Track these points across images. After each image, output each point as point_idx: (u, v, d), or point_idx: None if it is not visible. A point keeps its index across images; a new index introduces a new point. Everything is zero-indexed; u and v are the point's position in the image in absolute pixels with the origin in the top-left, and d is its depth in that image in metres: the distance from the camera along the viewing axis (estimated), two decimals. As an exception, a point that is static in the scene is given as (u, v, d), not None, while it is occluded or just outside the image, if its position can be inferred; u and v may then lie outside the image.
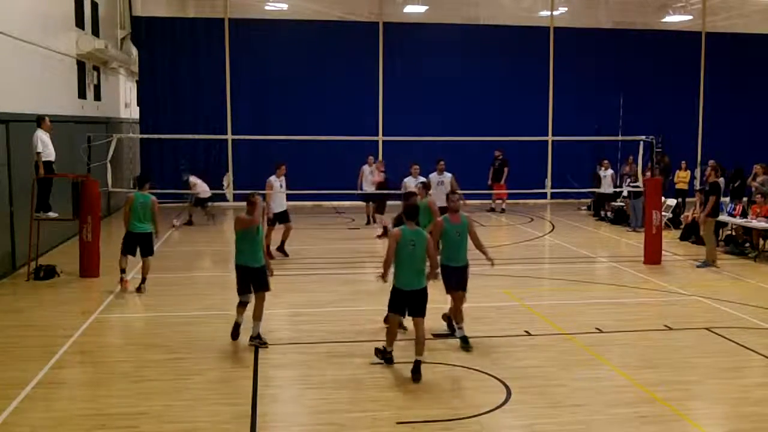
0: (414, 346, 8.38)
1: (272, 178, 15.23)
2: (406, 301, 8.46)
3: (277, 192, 15.25)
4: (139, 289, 12.23)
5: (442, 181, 15.58)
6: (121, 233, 12.85)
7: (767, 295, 12.48)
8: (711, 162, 18.31)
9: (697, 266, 14.81)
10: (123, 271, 12.35)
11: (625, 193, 20.63)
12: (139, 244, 12.29)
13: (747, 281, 13.66)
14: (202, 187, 20.39)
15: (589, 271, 14.72)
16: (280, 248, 15.56)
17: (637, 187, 18.41)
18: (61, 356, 9.07)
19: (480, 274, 13.59)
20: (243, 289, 9.49)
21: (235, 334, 9.55)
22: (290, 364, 8.95)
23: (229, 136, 23.78)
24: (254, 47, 24.65)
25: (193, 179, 20.83)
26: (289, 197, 22.71)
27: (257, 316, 9.39)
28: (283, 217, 15.49)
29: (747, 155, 21.53)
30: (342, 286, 13.19)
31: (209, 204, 20.85)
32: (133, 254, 12.32)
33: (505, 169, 23.28)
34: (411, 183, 14.86)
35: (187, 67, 24.44)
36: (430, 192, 12.80)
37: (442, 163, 15.97)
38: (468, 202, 15.85)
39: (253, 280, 9.43)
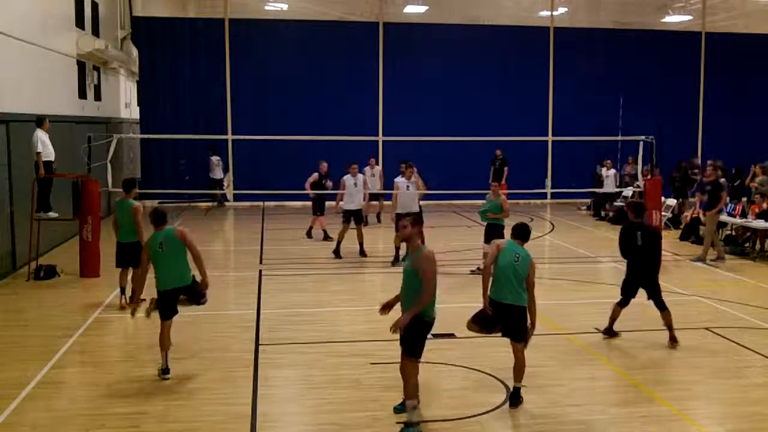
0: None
1: (346, 177, 15.72)
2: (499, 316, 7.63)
3: (352, 190, 15.57)
4: (131, 301, 10.93)
5: (356, 183, 15.68)
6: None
7: (767, 295, 12.49)
8: (708, 161, 18.33)
9: (692, 261, 15.17)
10: (122, 290, 11.44)
11: (628, 193, 20.63)
12: (127, 254, 11.32)
13: (747, 281, 13.67)
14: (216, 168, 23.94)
15: (589, 271, 14.72)
16: (361, 251, 15.68)
17: (638, 187, 18.42)
18: (61, 356, 9.09)
19: (480, 275, 13.60)
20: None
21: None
22: (290, 364, 8.96)
23: (229, 136, 23.80)
24: (254, 47, 24.67)
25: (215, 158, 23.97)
26: (289, 197, 22.95)
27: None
28: (357, 217, 15.71)
29: (747, 155, 21.55)
30: (342, 286, 13.20)
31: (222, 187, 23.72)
32: (127, 266, 11.44)
33: (505, 169, 23.29)
34: (402, 184, 14.74)
35: (187, 67, 24.46)
36: None
37: (354, 166, 15.85)
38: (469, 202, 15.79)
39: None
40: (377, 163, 21.54)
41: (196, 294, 8.53)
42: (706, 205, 15.55)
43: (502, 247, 7.67)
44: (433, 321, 6.96)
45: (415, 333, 6.82)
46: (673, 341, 9.54)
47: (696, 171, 21.97)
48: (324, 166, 17.13)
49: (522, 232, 7.83)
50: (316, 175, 17.06)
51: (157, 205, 9.01)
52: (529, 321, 7.57)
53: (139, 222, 11.25)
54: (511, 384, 8.03)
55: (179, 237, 8.33)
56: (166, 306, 8.38)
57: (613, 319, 9.87)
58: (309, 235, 18.02)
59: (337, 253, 15.62)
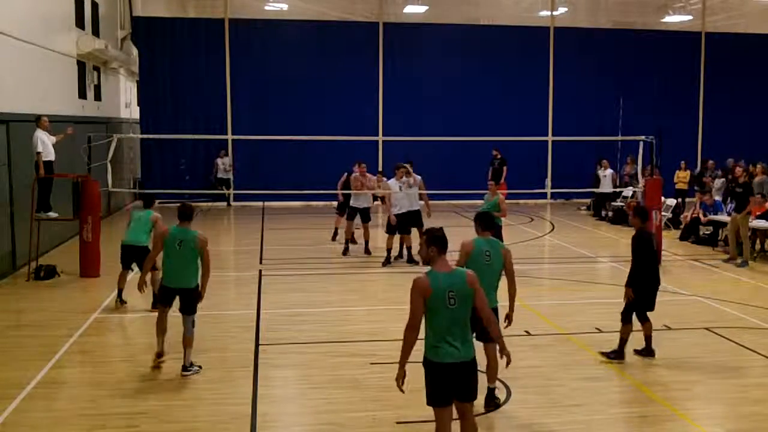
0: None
1: (354, 175, 15.86)
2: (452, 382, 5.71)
3: (396, 194, 15.01)
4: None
5: (362, 181, 15.75)
6: (121, 233, 12.82)
7: (767, 295, 12.49)
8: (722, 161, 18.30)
9: (739, 266, 14.78)
10: (120, 292, 11.42)
11: (628, 194, 20.61)
12: (132, 258, 11.29)
13: (747, 281, 13.67)
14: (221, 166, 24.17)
15: (589, 271, 14.71)
16: (366, 249, 15.84)
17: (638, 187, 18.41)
18: (61, 356, 9.08)
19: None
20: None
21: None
22: (290, 364, 8.96)
23: (229, 136, 23.81)
24: (254, 47, 24.69)
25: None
26: (290, 197, 22.96)
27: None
28: (364, 214, 15.85)
29: (747, 155, 21.56)
30: (341, 286, 13.20)
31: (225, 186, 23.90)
32: (129, 268, 11.43)
33: (504, 168, 23.28)
34: (394, 185, 14.81)
35: (187, 67, 24.47)
36: None
37: (362, 165, 15.80)
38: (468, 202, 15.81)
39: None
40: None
41: (191, 305, 8.46)
42: (733, 206, 15.54)
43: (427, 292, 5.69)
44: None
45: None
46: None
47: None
48: (362, 168, 16.04)
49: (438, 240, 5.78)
50: (346, 175, 16.64)
51: (184, 202, 9.01)
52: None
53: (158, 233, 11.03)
54: (511, 384, 8.05)
55: (200, 245, 8.37)
56: (163, 295, 8.66)
57: (646, 336, 9.16)
58: (335, 237, 17.32)
59: (345, 251, 15.85)
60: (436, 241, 5.73)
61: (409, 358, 5.64)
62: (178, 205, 8.81)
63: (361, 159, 16.34)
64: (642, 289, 8.86)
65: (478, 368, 5.93)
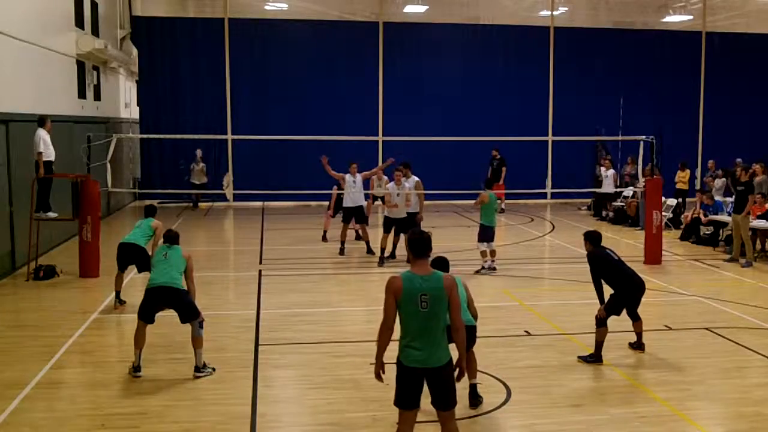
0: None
1: (346, 175, 15.92)
2: (420, 385, 5.68)
3: (351, 189, 15.78)
4: None
5: (355, 181, 15.79)
6: (120, 233, 12.83)
7: (767, 295, 12.48)
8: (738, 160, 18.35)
9: (743, 266, 14.74)
10: (117, 293, 11.39)
11: (628, 194, 20.61)
12: (129, 258, 11.25)
13: (747, 281, 13.66)
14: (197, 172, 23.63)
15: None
16: (368, 249, 15.82)
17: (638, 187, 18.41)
18: (61, 356, 9.07)
19: (481, 275, 13.61)
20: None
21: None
22: (290, 364, 8.95)
23: (229, 136, 23.80)
24: (254, 47, 24.69)
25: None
26: (289, 197, 22.97)
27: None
28: (358, 215, 15.89)
29: (747, 155, 21.55)
30: (341, 286, 13.20)
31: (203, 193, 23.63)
32: (125, 269, 11.38)
33: (503, 169, 23.26)
34: (393, 190, 14.80)
35: (187, 66, 24.47)
36: None
37: (354, 165, 15.80)
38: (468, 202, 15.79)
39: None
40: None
41: (188, 309, 8.36)
42: (733, 206, 15.53)
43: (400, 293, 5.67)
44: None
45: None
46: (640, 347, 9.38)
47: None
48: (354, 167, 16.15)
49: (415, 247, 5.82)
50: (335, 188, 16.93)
51: (170, 228, 9.11)
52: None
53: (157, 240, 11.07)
54: (511, 384, 8.05)
55: (185, 256, 8.62)
56: (146, 306, 8.38)
57: (638, 333, 9.38)
58: (324, 238, 17.51)
59: (342, 251, 15.89)
60: (411, 243, 5.79)
61: (384, 354, 5.75)
62: (167, 230, 9.05)
63: (353, 159, 16.43)
64: (616, 298, 9.08)
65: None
